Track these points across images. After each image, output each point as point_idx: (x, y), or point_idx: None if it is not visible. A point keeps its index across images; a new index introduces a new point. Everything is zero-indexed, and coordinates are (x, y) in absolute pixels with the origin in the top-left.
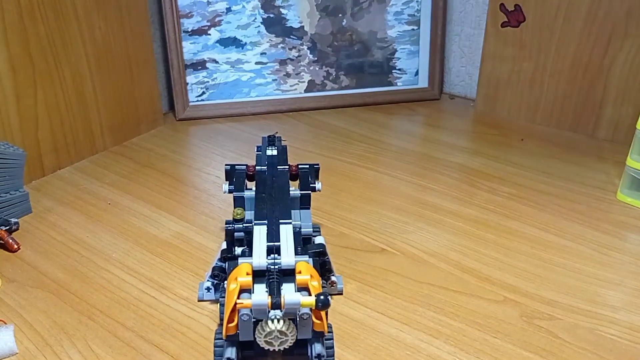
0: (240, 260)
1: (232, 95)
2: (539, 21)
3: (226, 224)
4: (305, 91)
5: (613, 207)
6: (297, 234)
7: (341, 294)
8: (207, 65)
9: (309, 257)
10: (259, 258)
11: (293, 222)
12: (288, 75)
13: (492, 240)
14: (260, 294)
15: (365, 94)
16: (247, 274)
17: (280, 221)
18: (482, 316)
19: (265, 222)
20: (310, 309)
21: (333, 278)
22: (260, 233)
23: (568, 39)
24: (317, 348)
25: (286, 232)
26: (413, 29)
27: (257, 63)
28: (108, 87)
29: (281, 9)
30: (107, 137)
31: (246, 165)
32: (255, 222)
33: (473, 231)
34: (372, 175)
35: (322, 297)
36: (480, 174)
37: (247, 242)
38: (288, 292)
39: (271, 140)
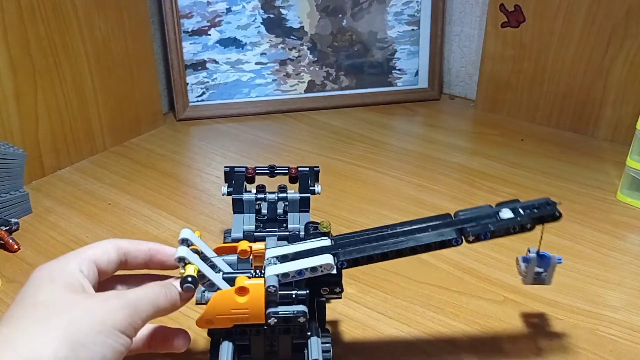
0: (268, 240)
1: (232, 95)
2: (539, 21)
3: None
4: (305, 91)
5: (613, 207)
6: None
7: (339, 297)
8: (207, 65)
9: (275, 287)
10: (273, 250)
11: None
12: (288, 75)
13: (492, 240)
14: (186, 232)
15: (365, 94)
16: (249, 247)
17: (334, 252)
18: (482, 316)
19: (331, 244)
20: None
21: None
22: (315, 242)
23: (568, 39)
24: (314, 353)
25: (315, 260)
26: (413, 29)
27: (257, 63)
28: (108, 87)
29: (281, 10)
30: (107, 137)
31: (245, 167)
32: (336, 236)
33: None
34: (372, 175)
35: (189, 278)
36: (480, 174)
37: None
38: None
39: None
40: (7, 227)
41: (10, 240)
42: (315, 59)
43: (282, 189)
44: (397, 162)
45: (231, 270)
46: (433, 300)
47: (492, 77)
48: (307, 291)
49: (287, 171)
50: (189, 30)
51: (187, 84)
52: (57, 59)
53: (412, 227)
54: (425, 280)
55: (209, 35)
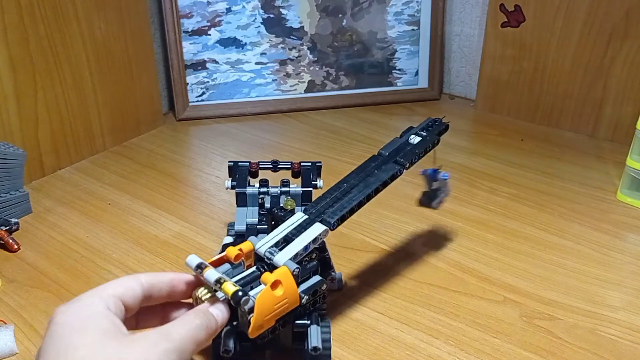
0: (250, 238)
1: (232, 95)
2: (539, 21)
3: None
4: (305, 91)
5: (613, 207)
6: None
7: (341, 289)
8: (207, 65)
9: (298, 267)
10: (263, 244)
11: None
12: (288, 75)
13: (492, 240)
14: (194, 258)
15: (365, 94)
16: (240, 250)
17: (319, 219)
18: (482, 316)
19: (308, 216)
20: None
21: (333, 274)
22: (293, 221)
23: (568, 39)
24: (313, 341)
25: (311, 232)
26: (413, 29)
27: (257, 63)
28: (108, 87)
29: (281, 9)
30: (107, 137)
31: (249, 162)
32: (305, 207)
33: (473, 231)
34: None
35: (240, 293)
36: (480, 174)
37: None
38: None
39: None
40: (7, 227)
41: (10, 240)
42: (315, 59)
43: (285, 183)
44: None
45: (241, 276)
46: (433, 300)
47: (492, 77)
48: (316, 262)
49: (289, 166)
50: (189, 30)
51: (187, 84)
52: (57, 59)
53: (361, 174)
54: (425, 280)
55: (209, 35)
